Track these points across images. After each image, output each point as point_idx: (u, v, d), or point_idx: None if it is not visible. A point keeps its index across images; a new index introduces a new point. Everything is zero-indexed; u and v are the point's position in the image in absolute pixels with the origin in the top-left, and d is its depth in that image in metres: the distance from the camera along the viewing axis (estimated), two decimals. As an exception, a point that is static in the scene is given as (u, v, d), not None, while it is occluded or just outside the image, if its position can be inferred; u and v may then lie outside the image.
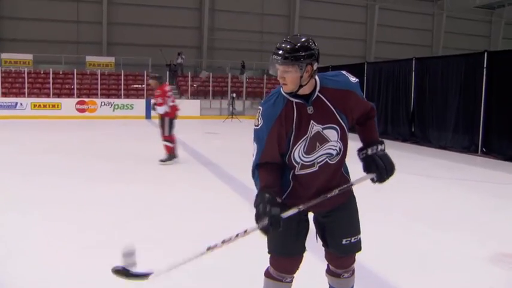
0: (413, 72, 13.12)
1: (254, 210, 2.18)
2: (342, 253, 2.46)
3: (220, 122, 19.52)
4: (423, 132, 12.76)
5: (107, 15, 26.85)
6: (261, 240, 2.31)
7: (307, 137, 2.24)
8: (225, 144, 12.43)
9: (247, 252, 3.19)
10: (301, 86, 2.18)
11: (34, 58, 24.10)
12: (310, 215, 2.44)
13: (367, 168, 2.39)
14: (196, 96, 23.68)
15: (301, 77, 2.15)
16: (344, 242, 2.41)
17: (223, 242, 2.24)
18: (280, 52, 2.14)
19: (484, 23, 34.90)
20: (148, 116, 21.25)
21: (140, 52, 25.57)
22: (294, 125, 2.22)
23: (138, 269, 2.29)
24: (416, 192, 6.75)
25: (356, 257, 2.53)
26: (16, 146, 11.09)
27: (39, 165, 8.44)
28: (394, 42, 31.27)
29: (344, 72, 2.37)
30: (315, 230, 2.49)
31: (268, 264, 2.45)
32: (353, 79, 2.35)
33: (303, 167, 2.29)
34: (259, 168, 2.28)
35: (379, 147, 2.40)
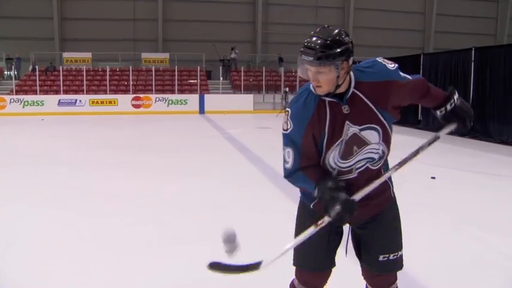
0: (472, 63, 12.45)
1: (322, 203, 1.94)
2: (378, 271, 2.16)
3: (273, 117, 19.41)
4: (483, 126, 12.09)
5: (162, 12, 27.29)
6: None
7: (342, 140, 1.96)
8: (276, 139, 12.28)
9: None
10: (337, 86, 1.90)
11: (93, 56, 24.88)
12: (345, 228, 2.18)
13: (446, 121, 2.16)
14: (250, 91, 23.66)
15: (338, 76, 1.86)
16: (381, 258, 2.11)
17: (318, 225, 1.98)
18: (311, 51, 1.84)
19: (553, 9, 32.83)
20: (201, 111, 21.48)
21: (194, 48, 25.80)
22: (327, 128, 1.95)
23: (234, 260, 2.02)
24: (475, 192, 6.30)
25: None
26: (71, 141, 11.45)
27: (94, 160, 8.64)
28: (454, 32, 29.91)
29: (379, 59, 2.06)
30: (345, 242, 2.23)
31: (294, 277, 2.24)
32: (391, 65, 2.04)
33: (340, 173, 2.04)
34: (303, 170, 2.01)
35: (455, 98, 2.15)
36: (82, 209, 5.28)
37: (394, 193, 2.19)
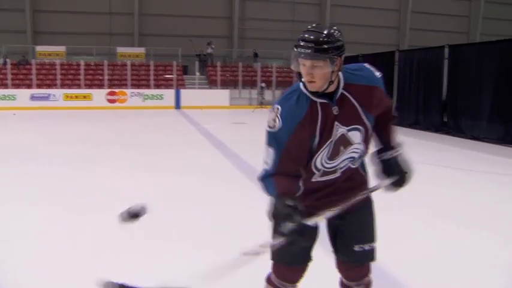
0: (445, 60, 12.63)
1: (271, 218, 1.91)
2: (353, 261, 2.20)
3: (249, 112, 19.39)
4: (456, 122, 12.29)
5: (138, 6, 26.97)
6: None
7: (332, 141, 1.99)
8: (251, 134, 12.31)
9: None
10: (330, 83, 1.92)
11: (67, 50, 24.44)
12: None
13: (387, 172, 2.18)
14: (226, 86, 23.60)
15: (332, 71, 1.89)
16: (357, 248, 2.16)
17: (262, 246, 1.90)
18: (308, 44, 1.86)
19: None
20: (177, 106, 21.35)
21: (170, 42, 25.57)
22: (318, 129, 1.96)
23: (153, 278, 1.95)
24: (446, 187, 6.43)
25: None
26: (45, 137, 11.25)
27: (67, 156, 8.50)
28: (428, 30, 30.28)
29: (367, 65, 2.12)
30: (327, 235, 2.26)
31: (270, 270, 2.25)
32: (377, 73, 2.10)
33: (324, 173, 2.06)
34: (275, 176, 1.96)
35: (401, 150, 2.21)
36: (60, 206, 5.18)
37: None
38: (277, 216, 1.88)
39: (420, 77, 13.71)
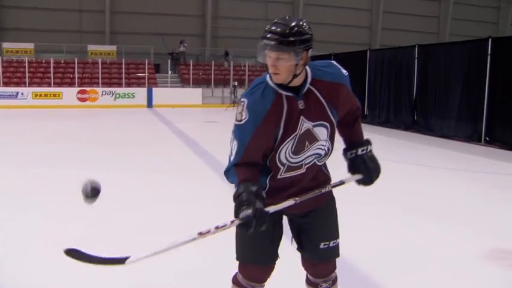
0: (415, 60, 12.83)
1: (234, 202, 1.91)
2: (318, 258, 2.21)
3: (221, 111, 19.33)
4: (426, 121, 12.50)
5: (109, 4, 26.60)
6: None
7: (296, 134, 1.99)
8: (223, 132, 12.28)
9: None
10: (295, 76, 1.91)
11: (35, 47, 23.87)
12: (285, 219, 2.20)
13: (354, 169, 2.20)
14: (199, 85, 23.47)
15: (297, 65, 1.88)
16: (322, 246, 2.17)
17: (217, 227, 1.92)
18: (273, 36, 1.86)
19: (492, 9, 34.27)
20: (149, 104, 21.15)
21: (142, 41, 25.29)
22: (282, 121, 1.96)
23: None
24: (415, 183, 6.54)
25: (337, 262, 2.27)
26: (14, 137, 11.00)
27: (38, 155, 8.32)
28: (400, 30, 30.71)
29: (335, 62, 2.12)
30: (290, 233, 2.26)
31: (237, 271, 2.22)
32: (344, 71, 2.11)
33: (289, 169, 2.05)
34: (236, 167, 1.99)
35: (369, 147, 2.20)
36: (44, 209, 5.07)
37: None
38: (237, 200, 1.91)
39: (391, 76, 13.89)
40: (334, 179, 2.21)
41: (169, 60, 24.42)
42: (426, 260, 3.68)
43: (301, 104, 1.97)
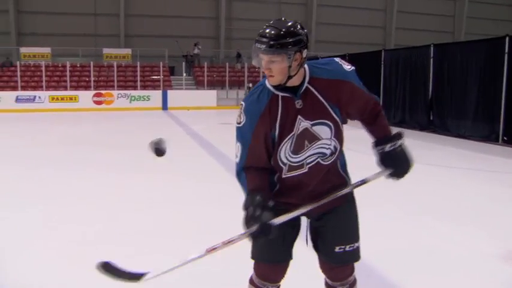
0: (431, 59, 12.75)
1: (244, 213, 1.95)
2: (335, 262, 2.18)
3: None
4: (442, 121, 12.42)
5: (124, 7, 26.83)
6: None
7: (294, 134, 1.99)
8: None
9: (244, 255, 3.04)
10: (289, 77, 1.92)
11: (52, 51, 24.19)
12: (302, 219, 2.20)
13: (383, 163, 2.14)
14: (213, 87, 23.55)
15: (290, 66, 1.89)
16: (337, 249, 2.14)
17: (224, 243, 2.01)
18: (264, 39, 1.89)
19: (508, 7, 33.82)
20: (165, 107, 21.27)
21: (157, 43, 25.46)
22: (278, 122, 1.98)
23: (131, 268, 2.03)
24: (431, 184, 6.48)
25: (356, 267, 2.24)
26: (26, 140, 11.15)
27: (49, 158, 8.45)
28: (414, 29, 30.48)
29: (337, 59, 2.09)
30: (304, 233, 2.26)
31: (253, 271, 2.24)
32: (347, 67, 2.06)
33: (291, 168, 2.05)
34: (246, 171, 2.05)
35: (398, 142, 2.13)
36: (50, 211, 5.15)
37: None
38: (245, 213, 1.96)
39: (406, 76, 13.82)
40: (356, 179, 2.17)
41: (183, 63, 24.55)
42: (441, 261, 3.66)
43: (298, 104, 1.98)
